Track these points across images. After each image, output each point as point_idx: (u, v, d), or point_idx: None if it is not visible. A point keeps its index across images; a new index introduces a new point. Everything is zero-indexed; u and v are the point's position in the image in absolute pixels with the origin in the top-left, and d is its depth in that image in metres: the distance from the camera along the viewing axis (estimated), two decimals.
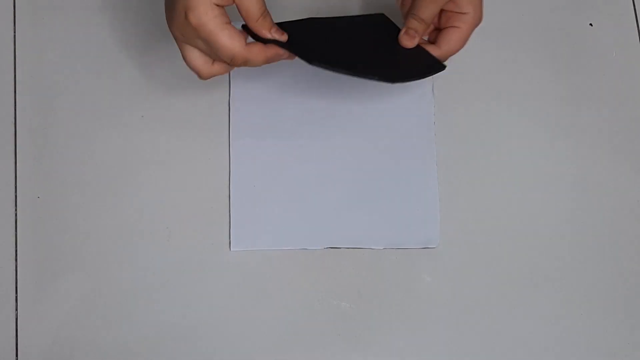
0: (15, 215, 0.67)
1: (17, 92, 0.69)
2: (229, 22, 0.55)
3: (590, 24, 0.76)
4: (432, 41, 0.64)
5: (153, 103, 0.70)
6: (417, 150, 0.70)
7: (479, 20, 0.62)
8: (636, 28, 0.76)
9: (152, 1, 0.72)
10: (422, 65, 0.63)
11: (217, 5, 0.54)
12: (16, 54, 0.70)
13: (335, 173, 0.69)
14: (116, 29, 0.71)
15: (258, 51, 0.57)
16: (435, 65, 0.63)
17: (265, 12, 0.56)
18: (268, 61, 0.58)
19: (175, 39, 0.58)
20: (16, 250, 0.66)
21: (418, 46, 0.63)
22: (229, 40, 0.55)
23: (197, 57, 0.58)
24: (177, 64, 0.70)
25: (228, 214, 0.68)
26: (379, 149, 0.70)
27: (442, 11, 0.62)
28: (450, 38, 0.62)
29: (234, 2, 0.55)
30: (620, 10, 0.76)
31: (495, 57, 0.74)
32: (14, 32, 0.70)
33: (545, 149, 0.72)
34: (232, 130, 0.69)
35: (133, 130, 0.69)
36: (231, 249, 0.67)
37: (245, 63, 0.57)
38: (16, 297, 0.66)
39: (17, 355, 0.65)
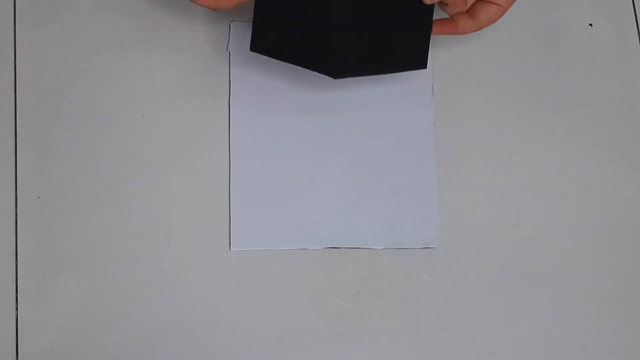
0: (15, 215, 0.67)
1: (17, 91, 0.69)
2: None
3: (590, 24, 0.76)
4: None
5: (153, 103, 0.70)
6: (417, 150, 0.70)
7: None
8: (636, 28, 0.76)
9: (151, 1, 0.71)
10: (404, 54, 0.61)
11: None
12: (16, 54, 0.69)
13: (335, 173, 0.69)
14: (116, 29, 0.71)
15: None
16: (415, 62, 0.62)
17: None
18: None
19: None
20: (16, 250, 0.66)
21: (424, 21, 0.60)
22: None
23: None
24: (177, 63, 0.70)
25: (228, 214, 0.68)
26: (379, 149, 0.70)
27: None
28: (489, 10, 0.61)
29: None
30: (620, 10, 0.76)
31: (495, 57, 0.74)
32: (14, 32, 0.70)
33: (544, 149, 0.72)
34: (232, 130, 0.69)
35: (133, 130, 0.69)
36: (231, 249, 0.67)
37: None
38: (16, 297, 0.66)
39: (17, 355, 0.65)
